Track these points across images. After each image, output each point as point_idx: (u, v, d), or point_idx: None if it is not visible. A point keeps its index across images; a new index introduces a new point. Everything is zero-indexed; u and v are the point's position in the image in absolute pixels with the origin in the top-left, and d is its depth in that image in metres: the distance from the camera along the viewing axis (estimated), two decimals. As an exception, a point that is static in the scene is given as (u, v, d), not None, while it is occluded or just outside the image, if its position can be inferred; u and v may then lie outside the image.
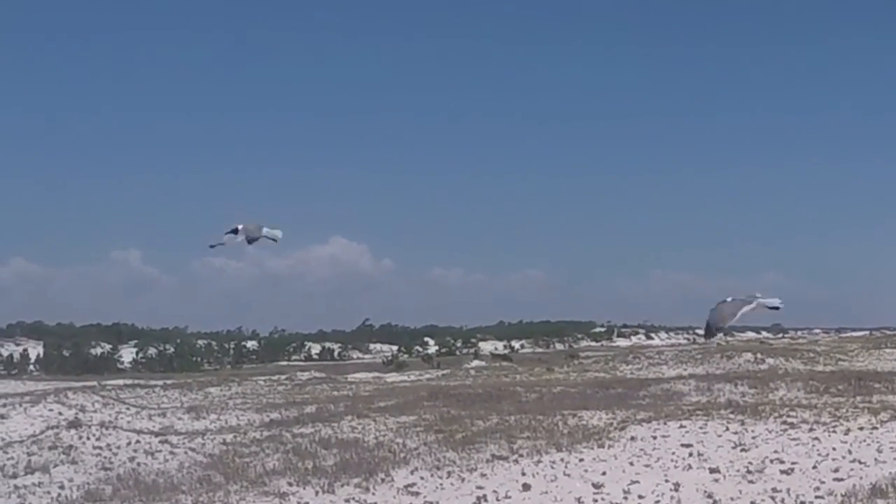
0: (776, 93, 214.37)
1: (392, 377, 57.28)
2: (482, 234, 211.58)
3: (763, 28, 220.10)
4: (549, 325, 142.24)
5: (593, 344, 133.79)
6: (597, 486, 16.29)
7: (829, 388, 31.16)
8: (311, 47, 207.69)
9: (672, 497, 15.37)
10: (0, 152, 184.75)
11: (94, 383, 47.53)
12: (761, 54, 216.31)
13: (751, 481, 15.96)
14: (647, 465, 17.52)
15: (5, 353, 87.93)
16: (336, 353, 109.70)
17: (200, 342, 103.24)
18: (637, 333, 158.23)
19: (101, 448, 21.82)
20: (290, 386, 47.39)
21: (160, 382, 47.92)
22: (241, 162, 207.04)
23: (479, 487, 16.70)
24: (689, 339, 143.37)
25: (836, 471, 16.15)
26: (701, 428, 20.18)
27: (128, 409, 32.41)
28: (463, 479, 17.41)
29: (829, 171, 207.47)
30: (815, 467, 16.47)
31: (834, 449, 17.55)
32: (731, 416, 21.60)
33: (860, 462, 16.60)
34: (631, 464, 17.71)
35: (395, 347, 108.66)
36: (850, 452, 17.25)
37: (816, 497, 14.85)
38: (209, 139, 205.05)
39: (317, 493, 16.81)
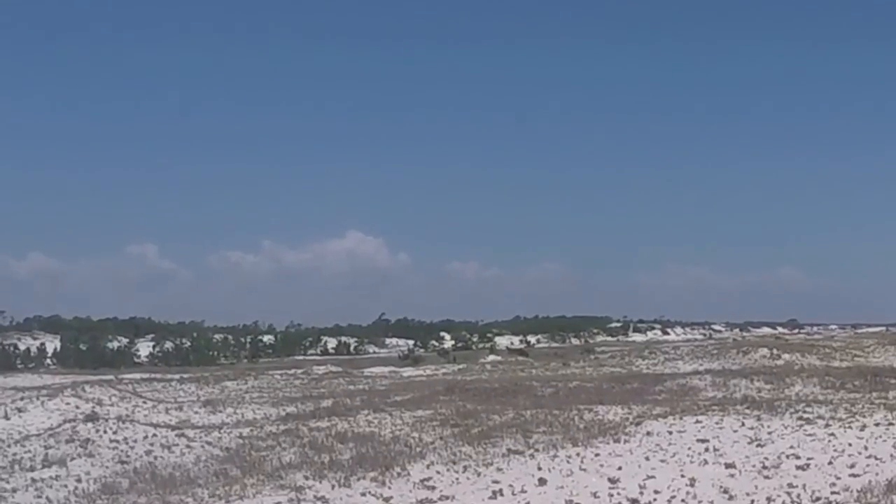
0: (795, 90, 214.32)
1: (408, 371, 57.39)
2: (498, 229, 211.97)
3: (784, 27, 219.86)
4: (564, 320, 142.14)
5: (609, 339, 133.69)
6: (612, 480, 16.29)
7: (845, 383, 31.14)
8: (329, 44, 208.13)
9: (688, 492, 15.36)
10: (17, 148, 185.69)
11: (111, 377, 47.74)
12: (781, 53, 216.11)
13: (766, 476, 15.94)
14: (662, 460, 17.52)
15: (22, 347, 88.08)
16: (352, 348, 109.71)
17: (217, 336, 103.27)
18: (653, 328, 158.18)
19: (117, 441, 21.89)
20: (307, 380, 47.51)
21: (177, 376, 48.12)
22: (257, 157, 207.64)
23: (495, 482, 16.71)
24: (704, 335, 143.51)
25: (852, 466, 16.12)
26: (717, 423, 20.18)
27: (144, 402, 32.49)
28: (479, 474, 17.42)
29: (845, 168, 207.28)
30: (830, 463, 16.45)
31: (850, 445, 17.53)
32: (747, 411, 21.60)
33: (876, 458, 16.57)
34: (647, 459, 17.70)
35: (411, 342, 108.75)
36: (865, 448, 17.23)
37: (832, 493, 14.81)
38: (226, 134, 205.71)
39: (333, 486, 16.82)
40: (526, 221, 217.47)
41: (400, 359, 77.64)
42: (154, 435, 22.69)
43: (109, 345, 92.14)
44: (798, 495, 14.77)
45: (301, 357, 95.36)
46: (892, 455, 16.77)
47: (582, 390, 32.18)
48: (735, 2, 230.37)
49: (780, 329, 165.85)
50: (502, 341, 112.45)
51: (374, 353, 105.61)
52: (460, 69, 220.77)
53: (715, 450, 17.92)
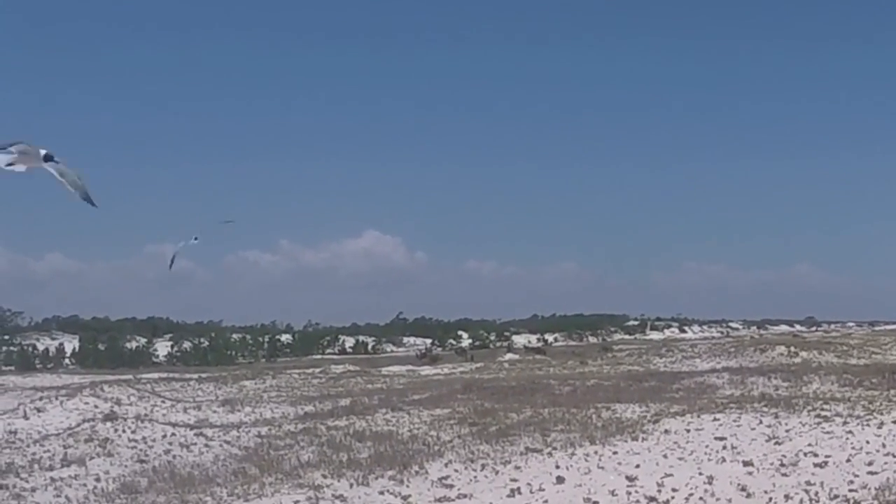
0: (811, 86, 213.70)
1: (426, 370, 57.41)
2: (516, 227, 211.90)
3: (800, 21, 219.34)
4: (582, 319, 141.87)
5: (627, 337, 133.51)
6: (630, 478, 16.30)
7: (863, 381, 31.01)
8: (345, 41, 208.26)
9: (706, 490, 15.36)
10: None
11: (130, 377, 47.88)
12: (798, 48, 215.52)
13: (784, 474, 15.92)
14: (680, 459, 17.52)
15: (41, 348, 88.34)
16: (370, 347, 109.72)
17: (235, 336, 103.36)
18: (670, 326, 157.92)
19: (136, 441, 21.99)
20: (325, 379, 47.55)
21: (195, 376, 48.22)
22: (275, 156, 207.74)
23: (513, 480, 16.74)
24: (722, 333, 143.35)
25: (870, 464, 16.08)
26: (734, 421, 20.16)
27: (163, 402, 32.60)
28: (497, 472, 17.45)
29: (862, 164, 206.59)
30: (848, 461, 16.41)
31: (868, 442, 17.49)
32: (765, 409, 21.58)
33: (894, 455, 16.52)
34: (664, 457, 17.71)
35: (428, 341, 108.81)
36: (883, 446, 17.18)
37: (850, 490, 14.79)
38: (243, 133, 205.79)
39: (351, 485, 16.87)
40: (543, 220, 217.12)
41: (417, 357, 77.63)
42: (173, 434, 22.78)
43: (128, 345, 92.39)
44: (816, 493, 14.76)
45: (319, 356, 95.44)
46: (910, 452, 16.76)
47: (599, 388, 32.16)
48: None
49: (797, 327, 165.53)
50: (520, 340, 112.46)
51: (392, 351, 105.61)
52: (478, 68, 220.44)
53: (733, 447, 17.92)
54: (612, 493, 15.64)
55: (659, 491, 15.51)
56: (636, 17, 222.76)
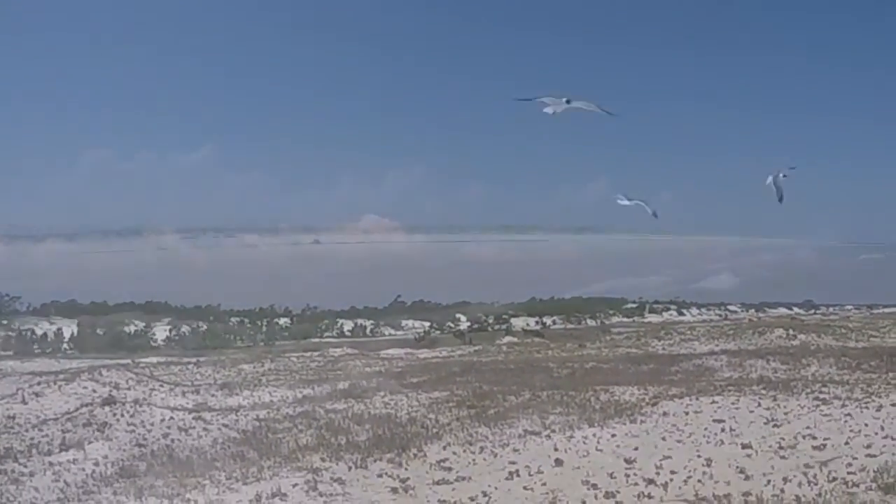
0: (816, 72, 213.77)
1: (424, 353, 57.36)
2: (514, 210, 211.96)
3: (794, 10, 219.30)
4: (580, 301, 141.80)
5: (625, 320, 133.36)
6: (629, 461, 16.31)
7: (861, 364, 30.98)
8: (343, 31, 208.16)
9: (704, 472, 15.36)
10: (39, 135, 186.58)
11: (128, 361, 47.78)
12: (797, 34, 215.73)
13: (783, 457, 15.93)
14: (679, 441, 17.53)
15: (39, 332, 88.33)
16: (368, 330, 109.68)
17: (233, 319, 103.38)
18: (668, 309, 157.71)
19: (135, 425, 21.94)
20: (323, 362, 47.50)
21: (193, 360, 48.17)
22: (275, 141, 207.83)
23: (512, 462, 16.75)
24: (720, 316, 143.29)
25: (869, 447, 16.09)
26: (733, 404, 20.16)
27: (161, 386, 32.55)
28: (495, 455, 17.46)
29: (861, 150, 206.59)
30: (847, 443, 16.43)
31: (866, 425, 17.50)
32: (764, 391, 21.57)
33: (892, 438, 16.53)
34: (663, 439, 17.71)
35: (427, 324, 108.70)
36: (882, 429, 17.19)
37: (849, 473, 14.79)
38: (244, 120, 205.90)
39: (350, 468, 16.87)
40: (543, 203, 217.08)
41: (416, 340, 77.64)
42: (171, 418, 22.74)
43: (126, 329, 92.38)
44: (814, 475, 14.76)
45: (317, 340, 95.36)
46: (908, 435, 16.75)
47: (598, 371, 32.18)
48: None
49: (795, 309, 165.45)
50: (518, 323, 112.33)
51: (391, 335, 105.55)
52: (483, 53, 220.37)
53: (731, 430, 17.93)
54: (611, 475, 15.64)
55: (657, 473, 15.51)
56: (644, 6, 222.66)
